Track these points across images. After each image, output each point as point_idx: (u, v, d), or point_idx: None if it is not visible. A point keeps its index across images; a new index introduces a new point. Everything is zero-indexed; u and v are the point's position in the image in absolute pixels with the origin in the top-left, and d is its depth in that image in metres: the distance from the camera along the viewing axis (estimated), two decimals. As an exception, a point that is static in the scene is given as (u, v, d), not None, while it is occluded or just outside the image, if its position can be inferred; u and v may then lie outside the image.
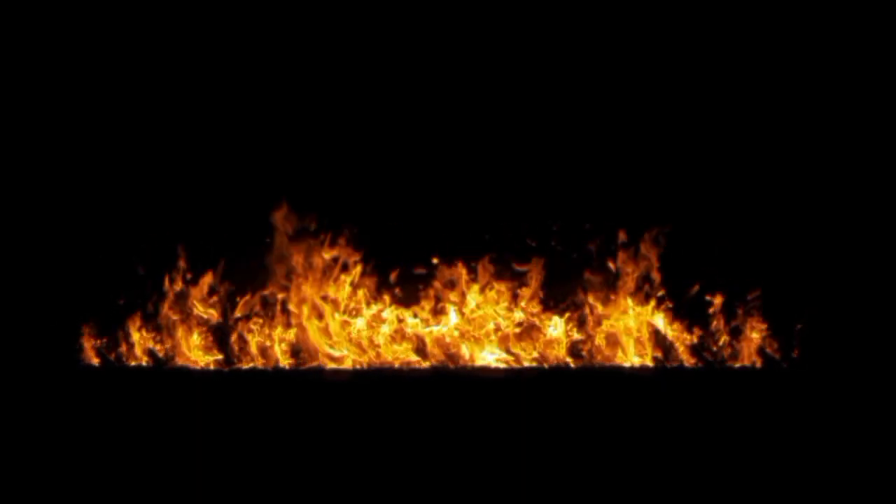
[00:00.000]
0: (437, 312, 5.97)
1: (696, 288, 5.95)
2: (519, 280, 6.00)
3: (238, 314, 5.95)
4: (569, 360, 5.93)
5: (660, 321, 5.95)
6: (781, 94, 6.05)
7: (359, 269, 5.97)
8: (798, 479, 5.00)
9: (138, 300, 5.95)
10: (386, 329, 5.95)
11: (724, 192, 6.06)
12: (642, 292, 5.96)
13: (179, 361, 5.91)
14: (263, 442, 5.25)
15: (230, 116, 6.11)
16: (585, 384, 5.77)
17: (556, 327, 5.95)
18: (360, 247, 5.99)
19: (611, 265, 5.99)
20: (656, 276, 5.97)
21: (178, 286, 5.96)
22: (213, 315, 5.95)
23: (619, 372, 5.87)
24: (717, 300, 5.95)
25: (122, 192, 6.07)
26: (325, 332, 5.94)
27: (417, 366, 5.90)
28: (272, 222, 5.93)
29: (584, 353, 5.95)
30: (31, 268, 5.95)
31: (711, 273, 5.97)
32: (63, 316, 5.92)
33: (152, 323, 5.95)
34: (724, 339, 5.92)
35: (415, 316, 5.96)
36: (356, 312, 5.96)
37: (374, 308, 5.97)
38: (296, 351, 5.93)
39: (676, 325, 5.95)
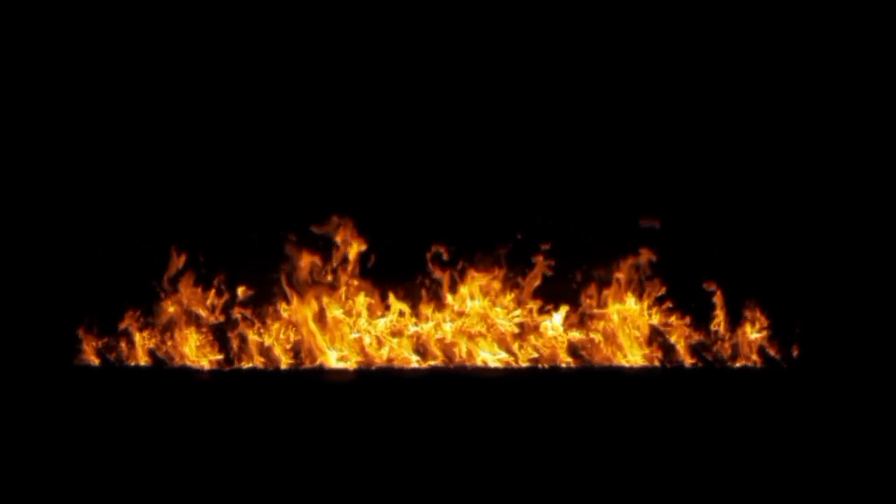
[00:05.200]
0: (437, 312, 5.97)
1: (697, 288, 5.96)
2: (518, 279, 6.00)
3: (238, 314, 5.95)
4: (568, 360, 5.93)
5: (659, 321, 5.95)
6: (782, 95, 6.05)
7: (358, 269, 5.98)
8: (798, 479, 4.99)
9: (138, 300, 5.96)
10: (385, 329, 5.95)
11: (726, 192, 6.06)
12: (642, 292, 5.96)
13: (179, 361, 5.92)
14: (263, 442, 5.25)
15: (230, 116, 6.11)
16: (585, 384, 5.77)
17: (556, 327, 5.95)
18: (360, 246, 5.99)
19: (611, 264, 5.99)
20: (657, 276, 5.97)
21: (179, 286, 5.96)
22: (213, 315, 5.95)
23: (619, 372, 5.87)
24: (718, 300, 5.94)
25: (122, 191, 6.07)
26: (325, 332, 5.94)
27: (417, 366, 5.90)
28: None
29: (583, 352, 5.95)
30: (31, 267, 5.96)
31: (712, 272, 5.97)
32: (62, 316, 5.92)
33: (152, 323, 5.95)
34: (724, 339, 5.92)
35: (414, 316, 5.96)
36: (356, 313, 5.96)
37: (374, 308, 5.97)
38: (296, 351, 5.93)
39: (676, 325, 5.94)
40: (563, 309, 5.95)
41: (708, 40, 6.07)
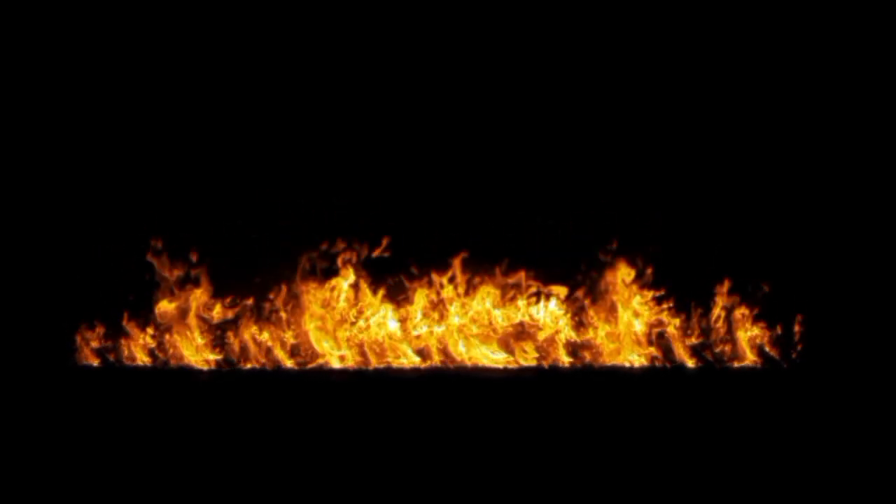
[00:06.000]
0: (437, 313, 5.97)
1: (699, 288, 5.97)
2: (519, 280, 6.00)
3: (239, 314, 5.95)
4: (569, 360, 5.94)
5: (660, 321, 5.95)
6: (784, 96, 6.06)
7: (358, 269, 5.98)
8: (799, 479, 5.00)
9: (138, 300, 5.96)
10: (385, 330, 5.95)
11: (727, 193, 6.06)
12: (643, 292, 5.96)
13: (179, 361, 5.92)
14: (263, 442, 5.25)
15: (231, 120, 6.12)
16: (586, 384, 5.77)
17: (556, 327, 5.95)
18: (361, 247, 6.00)
19: (611, 265, 5.99)
20: (657, 276, 5.98)
21: (179, 286, 5.96)
22: (214, 315, 5.95)
23: (619, 372, 5.87)
24: (718, 300, 5.95)
25: (123, 192, 6.07)
26: (326, 332, 5.94)
27: (417, 366, 5.90)
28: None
29: (584, 352, 5.95)
30: (31, 268, 5.96)
31: (713, 273, 5.97)
32: (62, 316, 5.92)
33: (152, 323, 5.95)
34: (724, 339, 5.92)
35: (415, 316, 5.97)
36: (356, 313, 5.96)
37: (374, 309, 5.97)
38: (296, 351, 5.94)
39: (677, 325, 5.95)
40: (565, 309, 5.95)
41: (708, 40, 6.07)
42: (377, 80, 6.14)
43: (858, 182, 5.98)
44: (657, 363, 5.92)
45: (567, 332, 5.95)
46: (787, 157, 6.05)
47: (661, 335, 5.95)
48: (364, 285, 5.98)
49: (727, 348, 5.92)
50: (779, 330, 5.91)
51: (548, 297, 5.96)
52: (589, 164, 6.12)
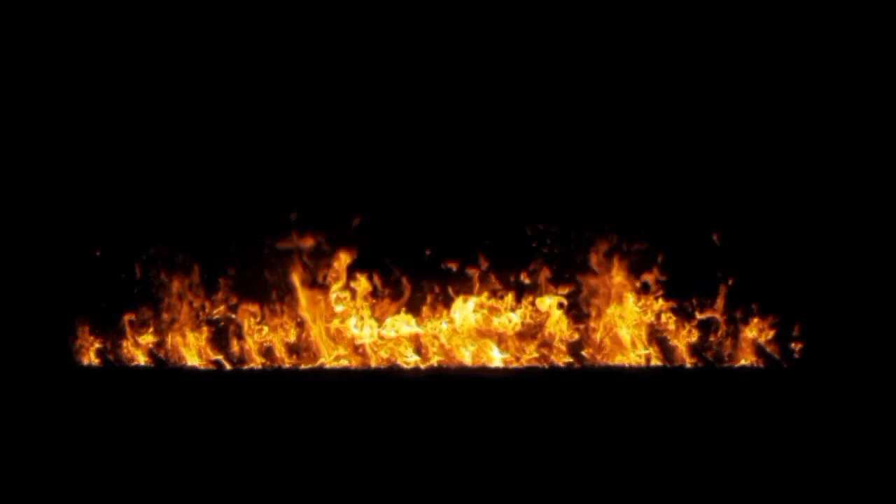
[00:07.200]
0: (437, 312, 5.97)
1: (698, 286, 5.97)
2: (518, 280, 6.00)
3: (239, 314, 5.95)
4: (569, 360, 5.94)
5: (659, 321, 5.95)
6: (782, 94, 6.05)
7: (358, 268, 5.99)
8: (798, 479, 5.00)
9: (138, 300, 5.96)
10: (386, 329, 5.95)
11: (726, 192, 6.06)
12: (643, 292, 5.96)
13: (179, 361, 5.92)
14: (263, 442, 5.26)
15: (230, 118, 6.12)
16: (585, 384, 5.77)
17: (557, 327, 5.95)
18: (360, 247, 6.00)
19: (611, 265, 5.99)
20: (657, 275, 5.98)
21: (179, 286, 5.96)
22: (214, 315, 5.96)
23: (619, 372, 5.87)
24: (719, 299, 5.94)
25: (122, 191, 6.07)
26: (326, 331, 5.94)
27: (417, 366, 5.90)
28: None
29: (584, 352, 5.95)
30: (31, 268, 5.96)
31: (713, 272, 5.97)
32: (62, 316, 5.92)
33: (152, 323, 5.95)
34: (724, 339, 5.93)
35: (414, 315, 5.97)
36: (356, 312, 5.96)
37: (374, 308, 5.98)
38: (296, 351, 5.94)
39: (676, 325, 5.95)
40: (565, 309, 5.96)
41: (709, 39, 6.07)
42: (376, 81, 6.15)
43: (859, 181, 5.98)
44: (657, 363, 5.92)
45: (566, 332, 5.95)
46: (787, 156, 6.04)
47: (661, 334, 5.95)
48: (364, 285, 5.98)
49: (727, 348, 5.92)
50: (779, 330, 5.91)
51: (547, 296, 5.97)
52: (589, 162, 6.11)
